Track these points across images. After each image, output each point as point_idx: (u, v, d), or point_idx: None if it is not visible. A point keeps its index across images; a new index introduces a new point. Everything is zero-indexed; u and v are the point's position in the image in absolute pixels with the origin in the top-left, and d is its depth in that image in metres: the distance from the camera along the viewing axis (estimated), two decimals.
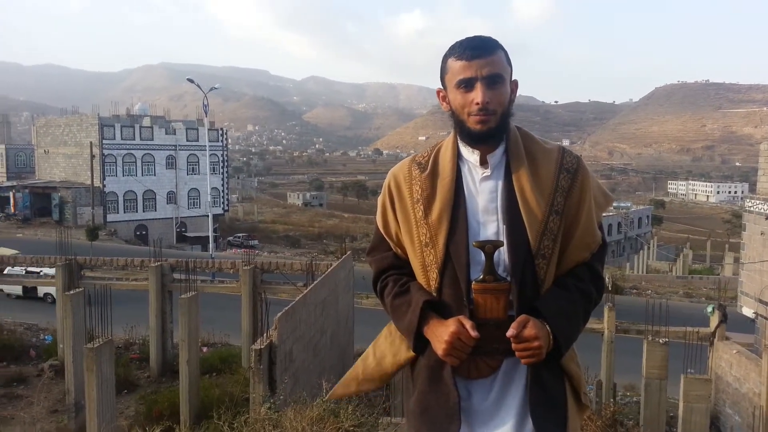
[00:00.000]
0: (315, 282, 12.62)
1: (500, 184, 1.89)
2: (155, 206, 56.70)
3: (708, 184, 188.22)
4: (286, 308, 9.31)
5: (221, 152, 61.23)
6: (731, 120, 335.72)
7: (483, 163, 1.90)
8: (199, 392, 11.34)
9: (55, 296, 17.39)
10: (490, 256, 1.79)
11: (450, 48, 1.87)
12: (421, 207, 1.90)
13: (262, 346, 8.64)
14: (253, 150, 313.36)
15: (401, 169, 2.02)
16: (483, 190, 1.88)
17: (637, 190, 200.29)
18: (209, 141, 47.28)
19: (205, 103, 36.63)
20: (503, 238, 1.84)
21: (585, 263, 1.96)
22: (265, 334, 9.19)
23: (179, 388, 11.28)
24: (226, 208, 62.85)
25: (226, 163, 62.45)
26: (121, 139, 54.87)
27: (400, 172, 2.01)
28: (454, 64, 1.83)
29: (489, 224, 1.86)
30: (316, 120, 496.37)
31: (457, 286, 1.84)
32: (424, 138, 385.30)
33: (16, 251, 23.29)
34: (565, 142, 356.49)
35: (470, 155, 1.91)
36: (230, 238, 56.87)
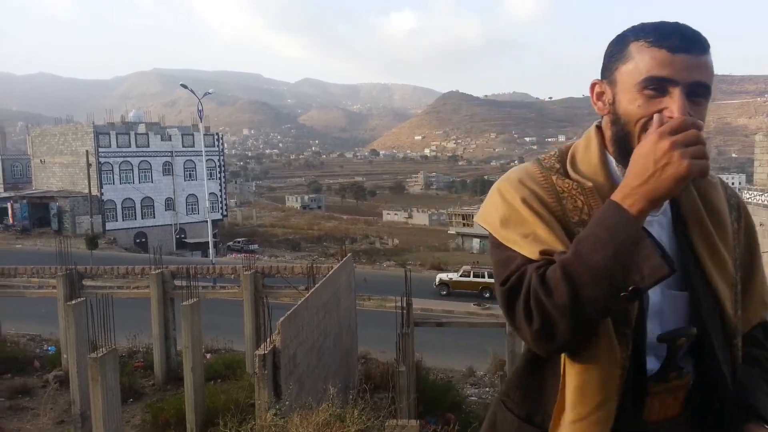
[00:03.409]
0: (316, 285, 12.62)
1: (670, 230, 1.32)
2: (154, 213, 56.64)
3: None
4: (289, 312, 9.31)
5: (218, 157, 61.20)
6: (726, 111, 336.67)
7: None
8: (205, 399, 11.33)
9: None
10: (675, 349, 1.28)
11: (637, 28, 1.26)
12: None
13: (266, 351, 8.64)
14: (250, 154, 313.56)
15: (530, 176, 1.34)
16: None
17: None
18: (205, 146, 47.25)
19: (200, 108, 36.64)
20: (670, 306, 1.28)
21: (761, 323, 1.48)
22: (268, 339, 9.19)
23: (184, 395, 11.28)
24: (224, 213, 62.81)
25: (223, 168, 62.43)
26: (117, 146, 54.81)
27: (531, 182, 1.33)
28: (646, 53, 1.22)
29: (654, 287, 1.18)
30: (312, 122, 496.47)
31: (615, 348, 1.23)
32: (420, 137, 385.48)
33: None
34: (561, 138, 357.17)
35: None
36: (230, 243, 56.86)
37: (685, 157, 1.09)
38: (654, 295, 1.25)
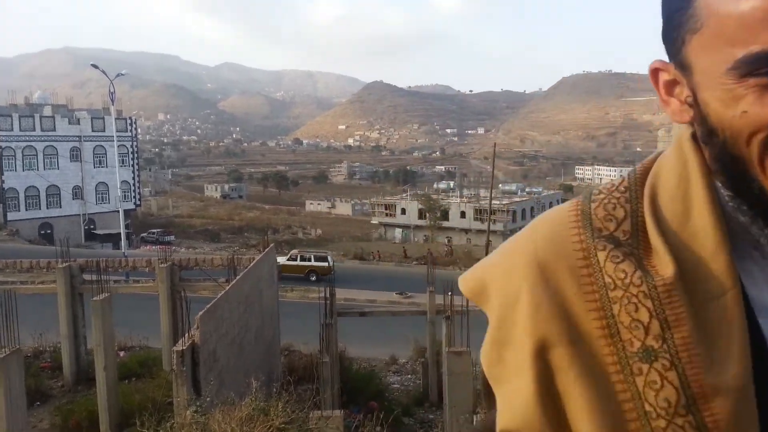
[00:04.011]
0: (237, 277, 12.40)
1: None
2: (60, 202, 53.45)
3: (612, 168, 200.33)
4: (208, 306, 9.11)
5: (130, 143, 58.48)
6: (632, 108, 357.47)
7: None
8: (119, 399, 10.90)
9: None
10: None
11: None
12: (664, 355, 0.62)
13: (184, 347, 8.43)
14: (166, 140, 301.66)
15: (558, 244, 0.70)
16: None
17: (547, 176, 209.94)
18: (117, 131, 45.01)
19: (112, 90, 34.86)
20: None
21: None
22: (186, 335, 8.96)
23: (97, 395, 10.80)
24: (138, 202, 60.20)
25: (136, 155, 59.75)
26: (20, 130, 51.23)
27: (557, 260, 0.69)
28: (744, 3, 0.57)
29: None
30: (232, 109, 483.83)
31: None
32: (344, 127, 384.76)
33: None
34: (480, 131, 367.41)
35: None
36: (144, 235, 54.56)
37: None
38: None
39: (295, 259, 31.26)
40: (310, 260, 31.08)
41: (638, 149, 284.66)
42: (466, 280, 0.77)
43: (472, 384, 11.18)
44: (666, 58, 0.72)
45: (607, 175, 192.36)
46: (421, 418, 13.98)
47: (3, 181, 50.00)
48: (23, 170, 51.43)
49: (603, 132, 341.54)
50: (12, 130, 50.81)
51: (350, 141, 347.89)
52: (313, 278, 29.41)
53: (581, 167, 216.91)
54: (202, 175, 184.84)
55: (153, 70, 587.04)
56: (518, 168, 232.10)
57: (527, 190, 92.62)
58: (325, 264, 29.97)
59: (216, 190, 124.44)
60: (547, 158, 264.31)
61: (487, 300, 0.75)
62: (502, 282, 0.72)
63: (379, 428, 8.51)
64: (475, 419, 9.33)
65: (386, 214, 70.20)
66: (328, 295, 13.90)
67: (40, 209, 52.42)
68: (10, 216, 49.87)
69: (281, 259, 31.13)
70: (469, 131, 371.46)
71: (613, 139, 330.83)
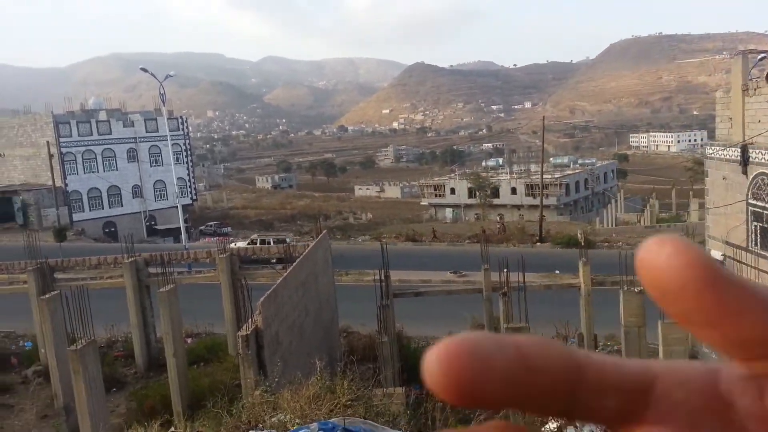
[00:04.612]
0: (294, 263, 12.63)
1: None
2: (121, 201, 55.59)
3: (668, 134, 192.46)
4: (268, 292, 9.33)
5: (183, 141, 60.10)
6: (686, 70, 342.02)
7: None
8: (189, 383, 11.35)
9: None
10: None
11: None
12: None
13: (248, 332, 8.68)
14: (216, 136, 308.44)
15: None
16: None
17: (600, 146, 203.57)
18: (170, 130, 46.33)
19: (162, 91, 35.82)
20: None
21: None
22: (249, 320, 9.21)
23: (168, 381, 11.27)
24: (194, 197, 61.94)
25: (189, 152, 61.38)
26: (78, 135, 53.40)
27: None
28: None
29: None
30: (277, 101, 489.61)
31: None
32: (387, 111, 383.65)
33: None
34: (527, 105, 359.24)
35: None
36: (202, 228, 56.21)
37: None
38: None
39: (255, 243, 32.79)
40: (269, 243, 32.45)
41: (695, 112, 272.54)
42: None
43: None
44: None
45: (664, 141, 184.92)
46: None
47: (66, 185, 52.32)
48: (84, 173, 53.65)
49: (657, 97, 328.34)
50: (71, 136, 52.99)
51: (395, 125, 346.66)
52: (274, 261, 30.82)
53: (635, 135, 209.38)
54: (253, 167, 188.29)
55: (198, 69, 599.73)
56: (569, 140, 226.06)
57: (580, 162, 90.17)
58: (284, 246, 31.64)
59: (267, 181, 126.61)
60: (599, 128, 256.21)
61: None
62: None
63: (440, 404, 8.56)
64: None
65: (436, 195, 69.80)
66: (383, 278, 14.01)
67: (103, 209, 54.69)
68: (76, 217, 52.22)
69: (241, 244, 33.15)
70: (516, 106, 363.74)
71: (668, 103, 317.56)
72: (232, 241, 36.86)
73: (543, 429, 7.75)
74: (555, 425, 7.67)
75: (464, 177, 70.07)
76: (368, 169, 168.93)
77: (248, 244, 31.96)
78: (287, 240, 32.85)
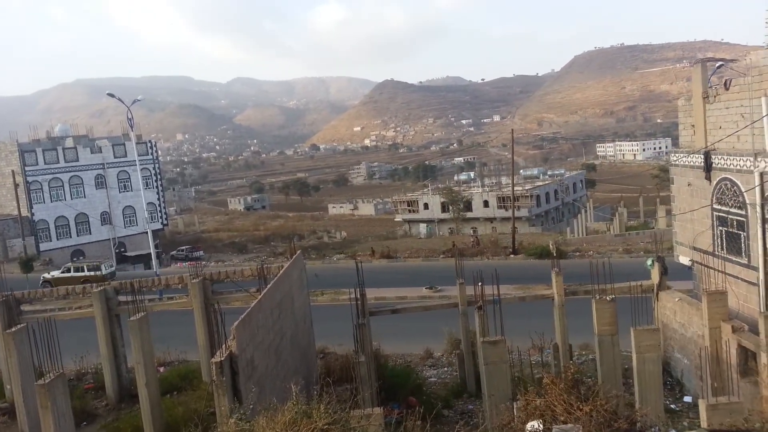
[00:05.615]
0: (268, 285, 12.49)
1: None
2: (89, 229, 54.52)
3: (634, 143, 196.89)
4: (242, 316, 9.19)
5: (153, 165, 59.35)
6: (648, 79, 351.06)
7: None
8: (162, 413, 11.07)
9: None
10: None
11: None
12: None
13: (222, 358, 8.51)
14: (186, 159, 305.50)
15: None
16: None
17: (568, 157, 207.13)
18: (138, 155, 45.67)
19: (129, 116, 35.39)
20: None
21: None
22: (223, 345, 9.04)
23: (141, 411, 10.99)
24: (165, 222, 61.07)
25: (159, 176, 60.62)
26: (45, 163, 52.39)
27: None
28: None
29: None
30: (248, 122, 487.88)
31: None
32: (359, 128, 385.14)
33: None
34: (496, 118, 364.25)
35: None
36: (173, 252, 55.34)
37: None
38: None
39: (69, 271, 33.00)
40: (83, 270, 32.78)
41: (659, 120, 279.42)
42: None
43: (510, 372, 11.10)
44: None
45: (630, 150, 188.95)
46: (460, 409, 13.94)
47: (33, 214, 51.17)
48: (51, 201, 52.55)
49: (621, 107, 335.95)
50: (37, 164, 51.96)
51: (366, 142, 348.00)
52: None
53: (602, 145, 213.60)
54: (225, 189, 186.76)
55: (166, 92, 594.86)
56: (538, 152, 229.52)
57: (549, 173, 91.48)
58: (99, 273, 31.74)
59: (239, 202, 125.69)
60: (567, 139, 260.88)
61: None
62: None
63: (420, 423, 8.49)
64: (514, 407, 9.24)
65: (409, 211, 70.07)
66: (358, 296, 13.94)
67: (70, 237, 53.55)
68: (43, 246, 51.03)
69: (55, 273, 33.72)
70: (485, 120, 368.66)
71: (632, 113, 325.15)
72: (47, 270, 37.47)
73: (527, 427, 7.75)
74: (538, 423, 7.67)
75: (437, 192, 70.56)
76: (341, 187, 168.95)
77: (61, 273, 32.94)
78: (102, 267, 33.02)
